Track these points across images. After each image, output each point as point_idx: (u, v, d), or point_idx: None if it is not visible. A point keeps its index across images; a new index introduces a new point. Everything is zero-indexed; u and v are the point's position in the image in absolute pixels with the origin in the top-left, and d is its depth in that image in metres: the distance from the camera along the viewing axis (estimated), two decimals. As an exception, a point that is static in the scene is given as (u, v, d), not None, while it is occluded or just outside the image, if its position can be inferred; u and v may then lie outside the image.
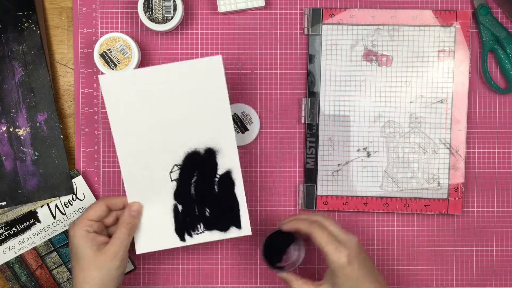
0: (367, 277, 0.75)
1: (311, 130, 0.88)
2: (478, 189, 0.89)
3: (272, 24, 0.89)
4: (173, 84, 0.78)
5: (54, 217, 0.88)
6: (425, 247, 0.89)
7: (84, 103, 0.89)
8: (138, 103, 0.79)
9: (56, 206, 0.88)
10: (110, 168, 0.89)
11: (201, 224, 0.81)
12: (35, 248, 0.88)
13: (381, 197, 0.88)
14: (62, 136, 0.87)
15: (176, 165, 0.80)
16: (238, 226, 0.81)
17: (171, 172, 0.80)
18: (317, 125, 0.88)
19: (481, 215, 0.89)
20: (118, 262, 0.75)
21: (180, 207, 0.81)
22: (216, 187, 0.81)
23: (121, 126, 0.79)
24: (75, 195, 0.88)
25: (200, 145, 0.80)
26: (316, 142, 0.88)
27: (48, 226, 0.88)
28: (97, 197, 0.89)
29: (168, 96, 0.79)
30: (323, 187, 0.88)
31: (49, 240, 0.88)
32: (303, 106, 0.88)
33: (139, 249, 0.81)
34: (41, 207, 0.88)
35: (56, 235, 0.88)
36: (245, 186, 0.89)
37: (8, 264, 0.88)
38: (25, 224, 0.88)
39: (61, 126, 0.87)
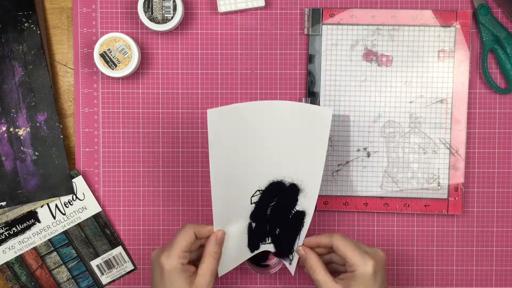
0: None
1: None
2: (478, 189, 0.89)
3: (272, 24, 0.89)
4: (277, 120, 0.78)
5: (54, 217, 0.88)
6: (425, 247, 0.89)
7: (84, 103, 0.89)
8: (240, 134, 0.77)
9: (56, 206, 0.88)
10: (110, 168, 0.89)
11: (269, 238, 0.83)
12: (35, 248, 0.88)
13: (381, 197, 0.88)
14: (62, 136, 0.87)
15: (259, 190, 0.81)
16: (290, 260, 0.83)
17: (252, 196, 0.81)
18: None
19: (481, 215, 0.89)
20: None
21: (254, 224, 0.82)
22: (289, 218, 0.82)
23: (219, 156, 0.77)
24: (75, 195, 0.88)
25: (286, 178, 0.81)
26: (316, 142, 0.88)
27: (48, 226, 0.88)
28: (97, 197, 0.89)
29: (270, 130, 0.78)
30: (323, 187, 0.88)
31: (49, 240, 0.88)
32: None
33: (221, 272, 0.81)
34: (41, 207, 0.88)
35: (56, 235, 0.88)
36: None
37: (8, 264, 0.88)
38: (25, 224, 0.88)
39: (61, 126, 0.87)
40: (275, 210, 0.81)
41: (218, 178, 0.77)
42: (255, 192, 0.81)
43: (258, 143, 0.78)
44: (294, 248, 0.82)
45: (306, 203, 0.81)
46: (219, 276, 0.81)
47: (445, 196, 0.88)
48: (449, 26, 0.87)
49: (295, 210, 0.82)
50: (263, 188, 0.81)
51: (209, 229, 0.79)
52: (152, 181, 0.89)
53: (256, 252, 0.83)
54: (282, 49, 0.89)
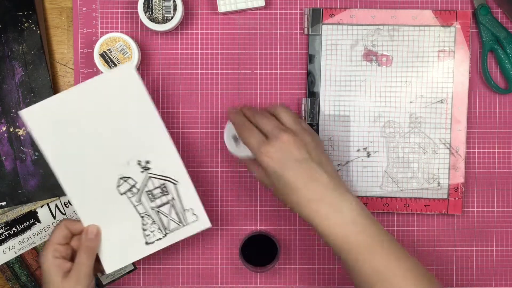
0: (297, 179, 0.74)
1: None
2: (478, 189, 0.89)
3: (272, 24, 0.89)
4: (95, 101, 0.79)
5: (54, 217, 0.88)
6: (425, 247, 0.89)
7: (84, 103, 0.89)
8: (68, 127, 0.79)
9: (56, 206, 0.88)
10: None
11: (162, 230, 0.82)
12: (35, 248, 0.88)
13: (381, 197, 0.88)
14: (62, 136, 0.87)
15: (121, 178, 0.80)
16: (197, 220, 0.82)
17: (118, 186, 0.81)
18: (317, 125, 0.88)
19: (481, 215, 0.89)
20: (81, 286, 0.76)
21: (141, 218, 0.81)
22: (167, 191, 0.82)
23: (56, 153, 0.79)
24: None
25: (139, 156, 0.81)
26: (316, 142, 0.88)
27: (48, 226, 0.88)
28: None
29: (93, 113, 0.79)
30: (323, 187, 0.88)
31: (49, 240, 0.88)
32: (303, 106, 0.88)
33: (108, 269, 0.81)
34: (41, 207, 0.88)
35: (56, 235, 0.88)
36: (246, 187, 0.89)
37: (8, 264, 0.88)
38: (25, 224, 0.88)
39: (61, 126, 0.88)
40: (151, 196, 0.81)
41: (66, 175, 0.79)
42: (118, 181, 0.80)
43: (93, 132, 0.79)
44: (195, 207, 0.81)
45: (165, 165, 0.81)
46: (107, 272, 0.80)
47: (445, 196, 0.88)
48: (449, 26, 0.87)
49: (162, 182, 0.81)
50: (125, 175, 0.80)
51: (80, 225, 0.80)
52: (152, 181, 0.90)
53: (156, 249, 0.82)
54: (282, 49, 0.89)
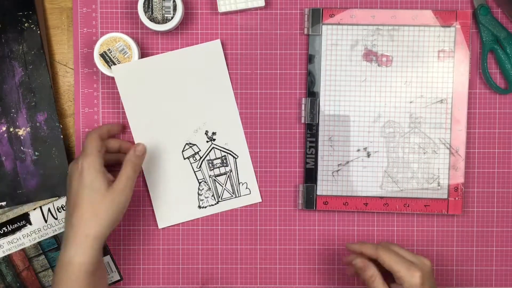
0: None
1: (311, 130, 0.88)
2: (478, 189, 0.89)
3: (272, 24, 0.89)
4: (179, 68, 0.86)
5: (46, 221, 0.88)
6: (425, 247, 0.89)
7: (84, 103, 0.89)
8: (149, 87, 0.86)
9: (49, 210, 0.88)
10: (109, 168, 0.89)
11: (215, 197, 0.88)
12: (23, 250, 0.88)
13: (381, 197, 0.88)
14: (62, 136, 0.87)
15: (187, 143, 0.87)
16: (249, 193, 0.88)
17: (183, 150, 0.87)
18: (317, 125, 0.88)
19: (481, 215, 0.89)
20: (124, 197, 0.78)
21: (198, 183, 0.88)
22: (227, 163, 0.88)
23: (134, 108, 0.86)
24: (70, 201, 0.88)
25: (207, 127, 0.87)
26: (316, 142, 0.88)
27: (39, 229, 0.88)
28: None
29: (175, 79, 0.86)
30: (323, 187, 0.88)
31: (39, 243, 0.88)
32: (303, 106, 0.88)
33: (161, 224, 0.88)
34: (34, 209, 0.88)
35: (46, 239, 0.88)
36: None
37: (-1, 263, 0.88)
38: (16, 225, 0.88)
39: (61, 126, 0.87)
40: (211, 164, 0.87)
41: (139, 130, 0.86)
42: (185, 146, 0.87)
43: (173, 95, 0.86)
44: (249, 181, 0.88)
45: (232, 140, 0.88)
46: (160, 227, 0.88)
47: (445, 196, 0.88)
48: (449, 26, 0.87)
49: (224, 154, 0.88)
50: (192, 141, 0.87)
51: (108, 127, 0.85)
52: (152, 181, 0.89)
53: (208, 212, 0.88)
54: (282, 49, 0.89)
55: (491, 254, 0.90)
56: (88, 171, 0.77)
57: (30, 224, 0.88)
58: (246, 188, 0.88)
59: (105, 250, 0.89)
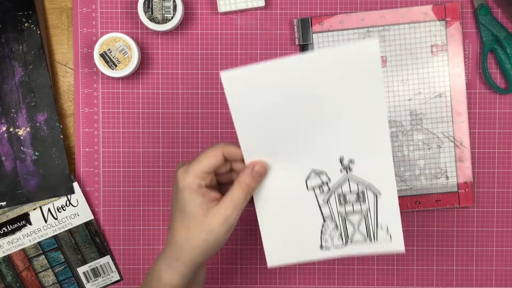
0: None
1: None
2: (478, 189, 0.89)
3: (272, 24, 0.89)
4: (309, 76, 0.65)
5: (46, 221, 0.88)
6: (425, 247, 0.89)
7: (84, 103, 0.89)
8: (266, 98, 0.66)
9: (49, 210, 0.88)
10: (110, 168, 0.89)
11: (343, 238, 0.71)
12: (23, 250, 0.88)
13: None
14: (62, 136, 0.87)
15: (314, 170, 0.69)
16: (389, 241, 0.70)
17: (307, 179, 0.69)
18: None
19: (481, 215, 0.89)
20: (227, 227, 0.65)
21: (322, 220, 0.71)
22: (364, 200, 0.70)
23: (247, 125, 0.66)
24: (69, 201, 0.88)
25: (344, 152, 0.68)
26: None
27: (39, 229, 0.88)
28: (97, 197, 0.89)
29: (302, 89, 0.65)
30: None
31: (39, 243, 0.88)
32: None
33: (271, 262, 0.71)
34: (34, 209, 0.88)
35: (46, 239, 0.88)
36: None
37: None
38: (16, 225, 0.88)
39: (61, 126, 0.88)
40: (344, 200, 0.70)
41: (251, 148, 0.67)
42: (310, 173, 0.69)
43: (299, 109, 0.65)
44: (390, 226, 0.69)
45: (377, 179, 0.68)
46: (269, 266, 0.71)
47: (455, 189, 0.88)
48: (439, 20, 0.87)
49: (365, 190, 0.69)
50: (320, 168, 0.68)
51: (240, 152, 0.68)
52: (152, 181, 0.90)
53: (325, 255, 0.71)
54: (282, 49, 0.89)
55: (491, 254, 0.90)
56: (183, 192, 0.65)
57: (30, 224, 0.88)
58: (387, 232, 0.70)
59: (105, 250, 0.89)
